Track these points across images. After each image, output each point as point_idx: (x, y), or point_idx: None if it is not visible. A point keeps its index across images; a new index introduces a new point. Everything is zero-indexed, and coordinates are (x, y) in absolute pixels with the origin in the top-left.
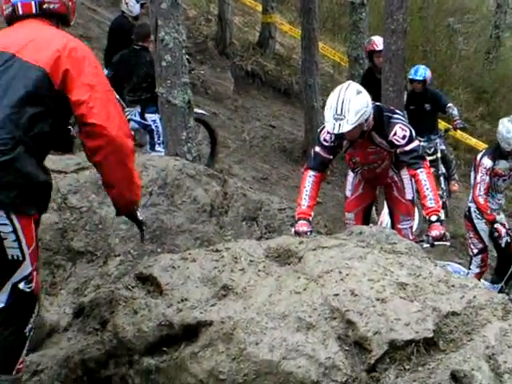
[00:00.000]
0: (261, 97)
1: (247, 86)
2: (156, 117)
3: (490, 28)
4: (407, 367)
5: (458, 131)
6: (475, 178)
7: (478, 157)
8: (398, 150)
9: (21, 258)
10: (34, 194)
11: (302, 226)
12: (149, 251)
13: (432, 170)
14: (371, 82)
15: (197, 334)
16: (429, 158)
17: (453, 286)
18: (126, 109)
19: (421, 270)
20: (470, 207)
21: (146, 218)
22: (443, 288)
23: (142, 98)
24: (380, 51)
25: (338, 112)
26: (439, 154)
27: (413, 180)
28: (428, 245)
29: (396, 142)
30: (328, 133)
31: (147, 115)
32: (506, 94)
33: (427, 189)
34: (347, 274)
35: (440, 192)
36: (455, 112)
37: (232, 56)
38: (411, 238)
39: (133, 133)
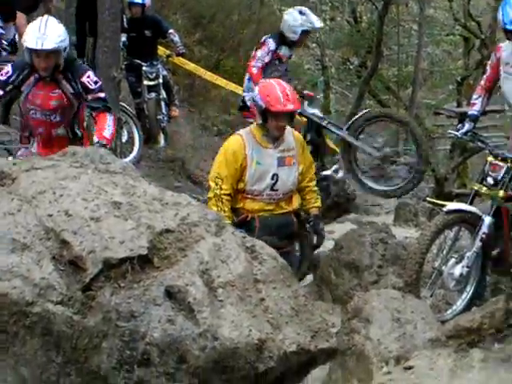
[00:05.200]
0: None
1: None
2: None
3: None
4: (122, 285)
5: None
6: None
7: (264, 38)
8: (91, 96)
9: None
10: None
11: None
12: None
13: (153, 94)
14: (87, 5)
15: None
16: (150, 83)
17: (167, 203)
18: None
19: (135, 188)
20: (244, 97)
21: None
22: (157, 206)
23: None
24: None
25: (42, 31)
26: (161, 80)
27: None
28: None
29: (89, 85)
30: (10, 68)
31: None
32: (222, 19)
33: (108, 125)
34: (61, 195)
35: (160, 117)
36: (176, 38)
37: None
38: None
39: None
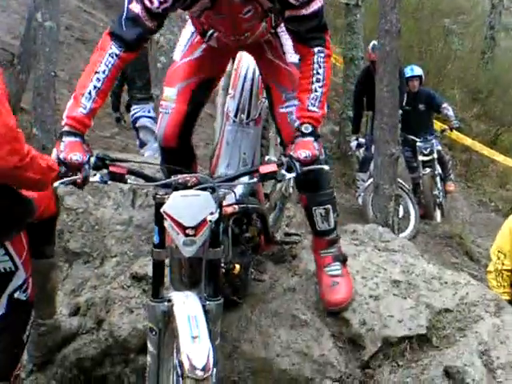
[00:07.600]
0: None
1: None
2: None
3: (484, 29)
4: (401, 363)
5: (454, 131)
6: None
7: None
8: (289, 13)
9: (13, 269)
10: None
11: (74, 151)
12: (145, 252)
13: (428, 169)
14: (369, 82)
15: None
16: (425, 158)
17: (445, 282)
18: (136, 106)
19: (414, 267)
20: None
21: (143, 218)
22: (436, 285)
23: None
24: None
25: None
26: (435, 155)
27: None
28: (292, 174)
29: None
30: None
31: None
32: (500, 94)
33: (317, 80)
34: None
35: (436, 192)
36: (450, 112)
37: None
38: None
39: None
